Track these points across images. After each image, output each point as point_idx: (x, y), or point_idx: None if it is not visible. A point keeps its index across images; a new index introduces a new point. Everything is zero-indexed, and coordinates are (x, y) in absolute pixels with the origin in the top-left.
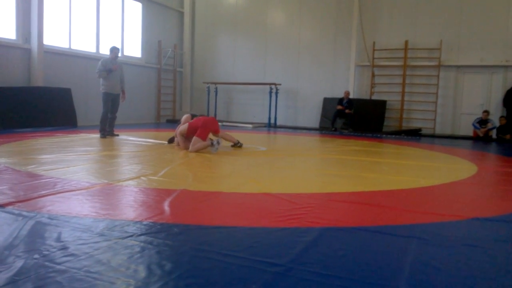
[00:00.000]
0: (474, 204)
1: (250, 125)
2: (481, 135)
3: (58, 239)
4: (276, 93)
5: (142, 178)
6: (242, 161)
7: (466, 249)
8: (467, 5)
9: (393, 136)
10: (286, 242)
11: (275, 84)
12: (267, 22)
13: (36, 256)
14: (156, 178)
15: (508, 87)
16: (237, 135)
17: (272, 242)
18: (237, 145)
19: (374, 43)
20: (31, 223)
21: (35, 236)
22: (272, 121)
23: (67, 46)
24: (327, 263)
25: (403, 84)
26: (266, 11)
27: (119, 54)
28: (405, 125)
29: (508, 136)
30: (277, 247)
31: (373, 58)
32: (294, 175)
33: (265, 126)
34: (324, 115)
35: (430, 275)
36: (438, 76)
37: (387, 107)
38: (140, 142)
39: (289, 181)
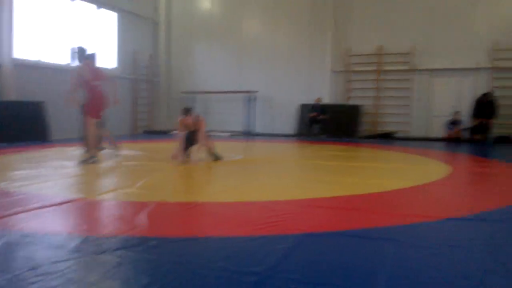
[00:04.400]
0: (449, 204)
1: (228, 134)
2: (454, 136)
3: (31, 258)
4: (253, 100)
5: (119, 191)
6: (219, 171)
7: (443, 249)
8: (438, 10)
9: (369, 140)
10: (265, 250)
11: (252, 91)
12: (243, 30)
13: (8, 276)
14: (133, 190)
15: (478, 89)
16: (215, 144)
17: (251, 251)
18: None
19: (348, 49)
20: (2, 242)
21: (6, 255)
22: (250, 128)
23: (39, 59)
24: (306, 270)
25: (378, 89)
26: (242, 19)
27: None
28: (381, 129)
29: (479, 137)
30: (256, 255)
31: (348, 64)
32: (271, 182)
33: (243, 134)
34: (301, 121)
35: (409, 277)
36: (411, 80)
37: (362, 111)
38: (118, 154)
39: (267, 189)
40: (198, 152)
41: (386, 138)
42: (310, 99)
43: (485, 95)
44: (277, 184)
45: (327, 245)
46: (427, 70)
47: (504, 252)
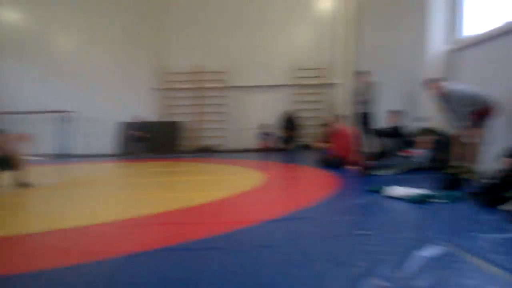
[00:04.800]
0: (265, 208)
1: (43, 157)
2: (267, 146)
3: None
4: (70, 120)
5: None
6: (29, 198)
7: (260, 250)
8: (248, 34)
9: (192, 154)
10: (86, 279)
11: (68, 111)
12: (57, 47)
13: None
14: None
15: (284, 103)
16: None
17: (70, 282)
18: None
19: (168, 67)
20: None
21: None
22: (67, 150)
23: None
24: None
25: (197, 105)
26: (55, 35)
27: None
28: (202, 143)
29: (287, 146)
30: (76, 286)
31: (168, 82)
32: (92, 205)
33: (59, 157)
34: (123, 140)
35: (230, 282)
36: (226, 96)
37: (183, 127)
38: None
39: (86, 212)
40: (9, 178)
41: (207, 151)
42: (131, 117)
43: (288, 112)
44: (98, 206)
45: (152, 264)
46: (240, 87)
47: (309, 245)
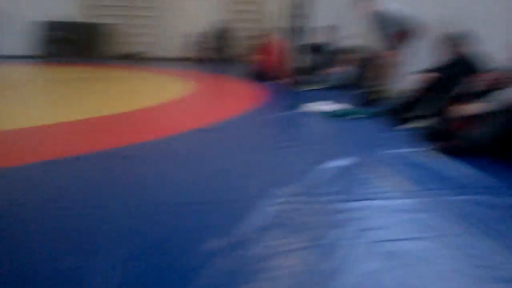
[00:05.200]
0: (190, 118)
1: None
2: (196, 55)
3: None
4: None
5: None
6: None
7: (177, 159)
8: None
9: (117, 60)
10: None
11: None
12: None
13: None
14: None
15: (218, 12)
16: None
17: None
18: None
19: None
20: None
21: None
22: None
23: None
24: (55, 196)
25: (123, 7)
26: None
27: None
28: (129, 49)
29: (221, 57)
30: None
31: None
32: (8, 110)
33: None
34: (39, 41)
35: (142, 188)
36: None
37: (107, 30)
38: None
39: (2, 118)
40: None
41: (133, 58)
42: (46, 15)
43: (220, 21)
44: (15, 111)
45: (72, 169)
46: None
47: (226, 156)
